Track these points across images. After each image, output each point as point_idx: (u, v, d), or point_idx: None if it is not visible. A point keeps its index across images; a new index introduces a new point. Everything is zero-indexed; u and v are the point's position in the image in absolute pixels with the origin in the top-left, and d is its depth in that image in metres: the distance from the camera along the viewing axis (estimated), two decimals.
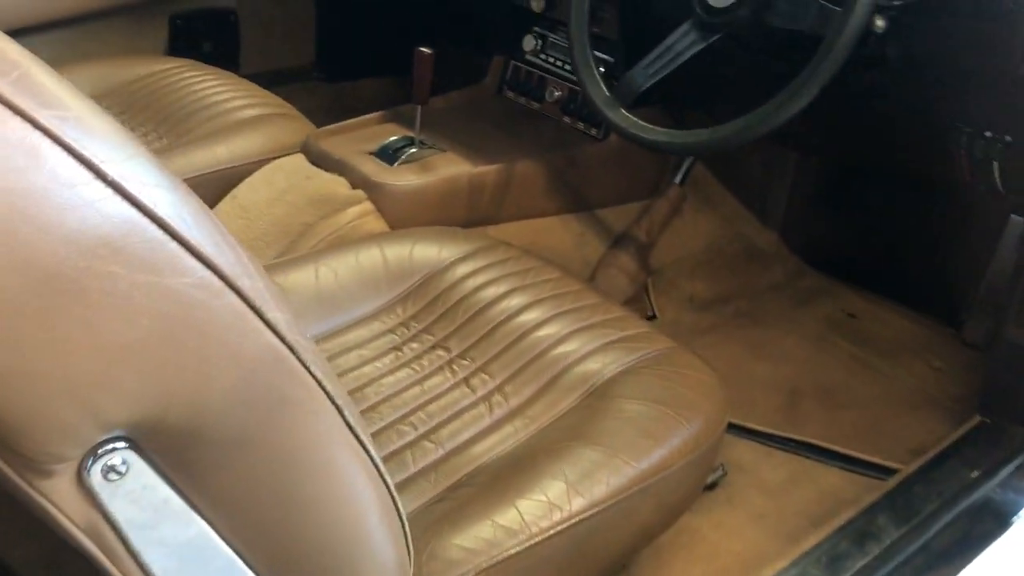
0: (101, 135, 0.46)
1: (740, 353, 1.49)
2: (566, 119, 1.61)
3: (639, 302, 1.55)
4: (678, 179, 1.61)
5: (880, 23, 1.02)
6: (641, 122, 1.17)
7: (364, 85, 2.29)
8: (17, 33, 1.73)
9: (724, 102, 1.53)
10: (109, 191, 0.45)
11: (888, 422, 1.35)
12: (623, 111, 1.19)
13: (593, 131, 1.56)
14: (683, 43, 1.16)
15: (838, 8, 1.01)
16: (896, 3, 1.03)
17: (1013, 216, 1.40)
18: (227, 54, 2.06)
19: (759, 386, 1.42)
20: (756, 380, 1.44)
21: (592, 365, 1.01)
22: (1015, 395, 1.21)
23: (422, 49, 1.34)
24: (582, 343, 1.04)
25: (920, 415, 1.36)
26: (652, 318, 1.57)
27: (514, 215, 1.48)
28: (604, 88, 1.22)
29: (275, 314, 0.53)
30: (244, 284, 0.51)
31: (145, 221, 0.46)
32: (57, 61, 1.80)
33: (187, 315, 0.48)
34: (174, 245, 0.47)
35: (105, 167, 0.45)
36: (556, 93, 1.61)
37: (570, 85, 1.59)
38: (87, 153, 0.44)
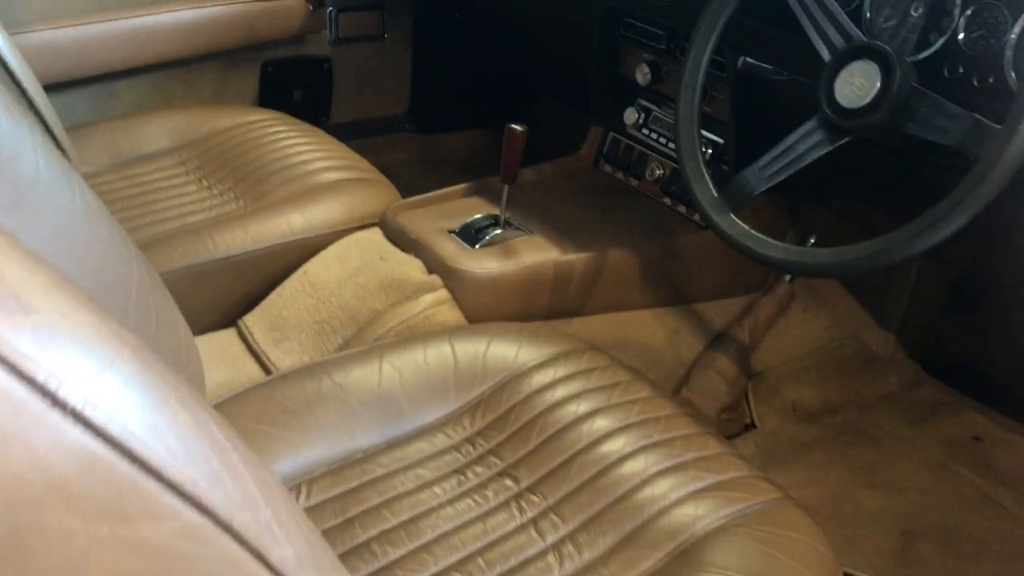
0: (71, 343, 0.36)
1: (847, 478, 1.33)
2: (666, 200, 1.47)
3: (738, 409, 1.41)
4: (788, 276, 1.46)
5: None
6: (754, 232, 1.03)
7: (455, 138, 2.21)
8: (103, 78, 1.70)
9: (844, 196, 1.38)
10: (68, 420, 0.34)
11: None
12: (733, 217, 1.05)
13: (696, 217, 1.42)
14: (806, 143, 1.02)
15: (996, 125, 0.86)
16: None
17: None
18: (318, 103, 2.00)
19: (868, 522, 1.25)
20: (864, 514, 1.27)
21: (682, 518, 0.87)
22: None
23: (513, 127, 1.23)
24: (672, 486, 0.91)
25: None
26: (751, 427, 1.42)
27: (602, 307, 1.35)
28: (712, 187, 1.08)
29: (283, 551, 0.42)
30: (243, 520, 0.40)
31: (112, 455, 0.35)
32: (141, 107, 1.78)
33: (164, 572, 0.37)
34: (151, 483, 0.36)
35: (65, 390, 0.34)
36: (657, 171, 1.48)
37: (673, 164, 1.46)
38: (42, 375, 0.34)
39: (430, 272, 1.25)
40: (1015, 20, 0.96)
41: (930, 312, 1.56)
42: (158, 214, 1.39)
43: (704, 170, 1.09)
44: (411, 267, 1.26)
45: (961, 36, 1.02)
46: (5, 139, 0.78)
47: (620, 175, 1.56)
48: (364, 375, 1.03)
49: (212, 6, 1.74)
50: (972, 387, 1.48)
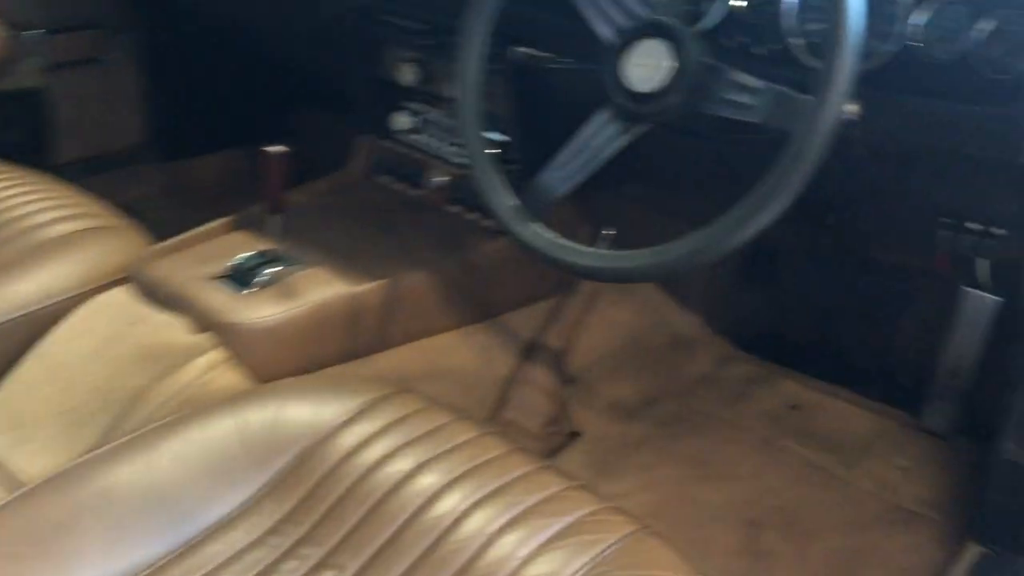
0: None
1: (680, 474, 1.28)
2: (453, 208, 1.36)
3: (561, 419, 1.32)
4: None
5: (854, 108, 0.81)
6: (562, 241, 0.92)
7: (204, 163, 1.99)
8: None
9: (640, 182, 1.31)
10: None
11: (867, 553, 1.15)
12: (535, 227, 0.94)
13: (486, 222, 1.31)
14: (601, 137, 0.93)
15: (805, 96, 0.80)
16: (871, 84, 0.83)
17: (964, 288, 1.24)
18: (36, 141, 1.73)
19: (710, 520, 1.20)
20: (706, 510, 1.22)
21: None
22: (1020, 522, 1.03)
23: (268, 150, 1.07)
24: (519, 541, 0.79)
25: (901, 539, 1.17)
26: (575, 435, 1.34)
27: (404, 337, 1.21)
28: (509, 195, 0.97)
29: None
30: None
31: None
32: None
33: None
34: None
35: None
36: (440, 178, 1.36)
37: (455, 170, 1.35)
38: None
39: (200, 330, 1.07)
40: None
41: (729, 287, 1.54)
42: None
43: (497, 177, 0.98)
44: (174, 328, 1.06)
45: (735, 2, 0.96)
46: None
47: (398, 186, 1.42)
48: (133, 472, 0.84)
49: None
50: (781, 356, 1.48)
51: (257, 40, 1.77)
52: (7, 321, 1.09)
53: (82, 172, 1.68)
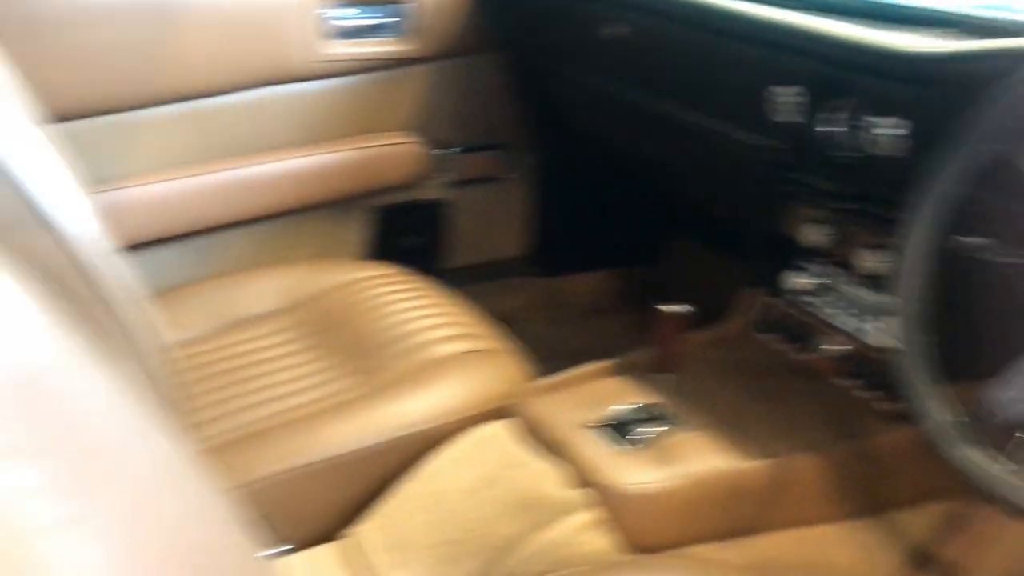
0: None
1: None
2: (844, 382, 1.23)
3: None
4: None
5: None
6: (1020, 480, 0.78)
7: (580, 280, 2.02)
8: (200, 233, 1.57)
9: None
10: None
11: None
12: (977, 454, 0.81)
13: (885, 405, 1.17)
14: None
15: None
16: None
17: None
18: (432, 249, 1.85)
19: None
20: None
21: None
22: None
23: (667, 309, 1.03)
24: None
25: None
26: None
27: (782, 523, 1.11)
28: (943, 405, 0.84)
29: None
30: None
31: None
32: (243, 263, 1.64)
33: None
34: None
35: None
36: (835, 347, 1.25)
37: (856, 344, 1.23)
38: None
39: (576, 484, 1.04)
40: None
41: None
42: (253, 395, 1.23)
43: (930, 380, 0.86)
44: (550, 478, 1.05)
45: None
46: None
47: (782, 346, 1.33)
48: None
49: (324, 153, 1.62)
50: None
51: (650, 170, 1.78)
52: (396, 438, 1.13)
53: (465, 279, 1.76)
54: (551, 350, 1.40)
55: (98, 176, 1.39)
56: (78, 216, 0.87)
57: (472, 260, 1.90)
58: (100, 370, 0.66)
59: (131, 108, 1.47)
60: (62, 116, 1.31)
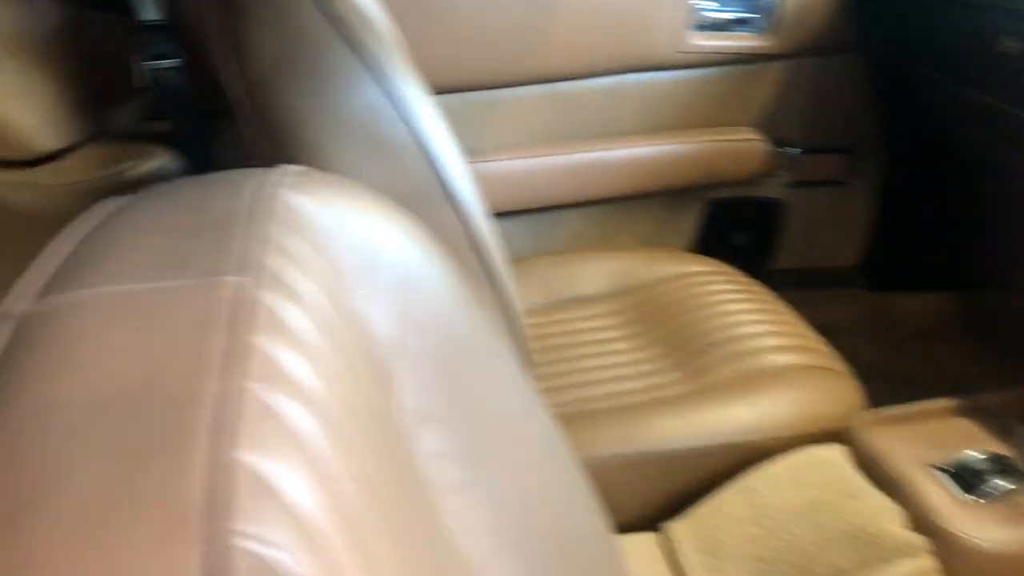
0: None
1: None
2: None
3: None
4: None
5: None
6: None
7: (911, 300, 1.89)
8: (544, 210, 1.65)
9: None
10: None
11: None
12: None
13: None
14: None
15: None
16: None
17: None
18: (761, 248, 1.81)
19: None
20: None
21: None
22: None
23: None
24: None
25: None
26: None
27: None
28: None
29: None
30: None
31: None
32: (577, 240, 1.70)
33: None
34: None
35: None
36: None
37: None
38: None
39: (913, 526, 0.99)
40: None
41: None
42: (586, 374, 1.28)
43: None
44: (887, 515, 1.00)
45: None
46: (480, 377, 0.67)
47: None
48: None
49: (670, 144, 1.63)
50: None
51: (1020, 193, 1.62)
52: (724, 444, 1.13)
53: (791, 283, 1.71)
54: (872, 371, 1.33)
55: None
56: (470, 189, 0.94)
57: (800, 264, 1.84)
58: (498, 345, 0.71)
59: (496, 86, 1.56)
60: (436, 91, 1.42)
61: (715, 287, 1.44)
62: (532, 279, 1.50)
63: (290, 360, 0.36)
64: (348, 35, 0.88)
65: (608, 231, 1.71)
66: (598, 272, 1.52)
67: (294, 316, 0.39)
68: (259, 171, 0.55)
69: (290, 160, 0.91)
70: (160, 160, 1.45)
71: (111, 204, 0.52)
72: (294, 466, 0.31)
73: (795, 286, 1.72)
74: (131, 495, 0.26)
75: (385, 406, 0.56)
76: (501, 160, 1.58)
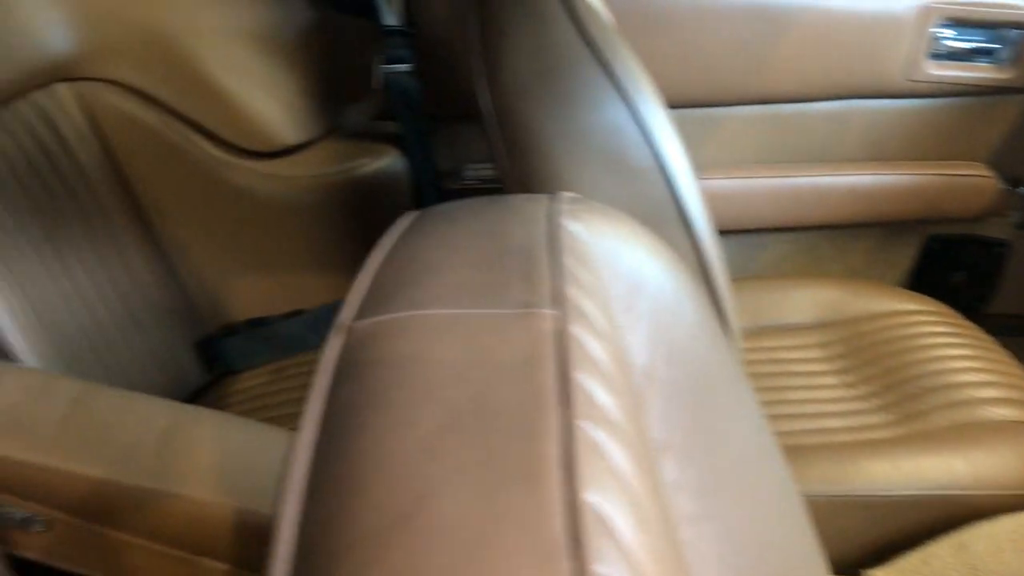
0: None
1: None
2: None
3: None
4: None
5: None
6: None
7: None
8: (753, 232, 1.62)
9: None
10: None
11: None
12: None
13: None
14: None
15: None
16: None
17: None
18: (981, 289, 1.72)
19: None
20: None
21: None
22: None
23: None
24: None
25: None
26: None
27: None
28: None
29: None
30: None
31: None
32: (784, 264, 1.67)
33: None
34: None
35: None
36: None
37: None
38: None
39: None
40: None
41: None
42: (792, 406, 1.25)
43: None
44: None
45: None
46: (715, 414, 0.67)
47: None
48: None
49: (892, 174, 1.57)
50: None
51: None
52: (936, 495, 1.08)
53: (1008, 328, 1.61)
54: None
55: None
56: (701, 209, 0.95)
57: (1019, 310, 1.73)
58: (741, 381, 0.71)
59: (716, 104, 1.55)
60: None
61: (931, 328, 1.38)
62: (738, 302, 1.48)
63: (602, 396, 0.38)
64: (599, 54, 0.90)
65: (817, 258, 1.67)
66: (806, 300, 1.48)
67: (597, 350, 0.41)
68: (540, 197, 0.57)
69: (530, 171, 0.94)
70: (388, 159, 1.52)
71: (404, 222, 0.56)
72: (623, 506, 0.32)
73: (1015, 332, 1.62)
74: (497, 520, 0.29)
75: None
76: (715, 179, 1.57)
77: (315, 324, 1.50)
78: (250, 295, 1.52)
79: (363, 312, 0.43)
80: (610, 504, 0.32)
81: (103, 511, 0.86)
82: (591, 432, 0.34)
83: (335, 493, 0.32)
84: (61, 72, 1.33)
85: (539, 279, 0.43)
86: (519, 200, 0.56)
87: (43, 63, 1.29)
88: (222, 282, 1.51)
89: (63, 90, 1.34)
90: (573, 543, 0.29)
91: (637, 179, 0.90)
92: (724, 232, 1.62)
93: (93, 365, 1.27)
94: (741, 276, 1.58)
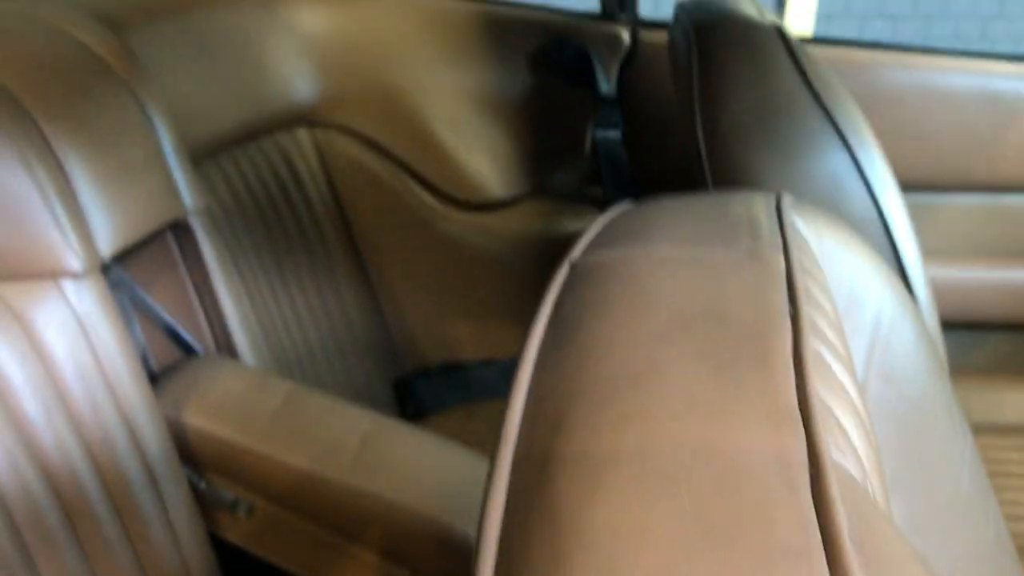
0: None
1: None
2: None
3: None
4: None
5: None
6: None
7: None
8: (969, 326, 1.52)
9: None
10: None
11: None
12: None
13: None
14: None
15: None
16: None
17: None
18: None
19: None
20: None
21: None
22: None
23: None
24: None
25: None
26: None
27: None
28: None
29: None
30: None
31: None
32: (1007, 365, 1.55)
33: None
34: None
35: None
36: None
37: None
38: None
39: None
40: None
41: None
42: (1010, 507, 1.15)
43: None
44: None
45: None
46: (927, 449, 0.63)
47: None
48: None
49: None
50: None
51: None
52: None
53: None
54: None
55: None
56: (923, 278, 0.90)
57: None
58: (959, 419, 0.67)
59: (935, 189, 1.49)
60: None
61: None
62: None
63: (826, 331, 0.37)
64: (822, 102, 0.89)
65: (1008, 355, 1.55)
66: (1015, 401, 1.38)
67: (826, 304, 0.40)
68: (762, 193, 0.57)
69: None
70: (591, 222, 1.55)
71: (621, 206, 0.57)
72: (849, 416, 0.31)
73: None
74: (729, 387, 0.28)
75: None
76: (931, 268, 1.49)
77: (507, 373, 1.52)
78: (446, 340, 1.57)
79: (588, 252, 0.44)
80: (839, 410, 0.31)
81: (304, 502, 0.89)
82: (821, 351, 0.33)
83: (562, 375, 0.32)
84: (303, 117, 1.45)
85: (760, 234, 0.43)
86: (739, 193, 0.56)
87: (290, 107, 1.42)
88: (422, 324, 1.57)
89: (302, 132, 1.46)
90: (805, 420, 0.28)
91: (856, 229, 0.88)
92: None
93: (298, 381, 1.34)
94: (953, 372, 1.48)
